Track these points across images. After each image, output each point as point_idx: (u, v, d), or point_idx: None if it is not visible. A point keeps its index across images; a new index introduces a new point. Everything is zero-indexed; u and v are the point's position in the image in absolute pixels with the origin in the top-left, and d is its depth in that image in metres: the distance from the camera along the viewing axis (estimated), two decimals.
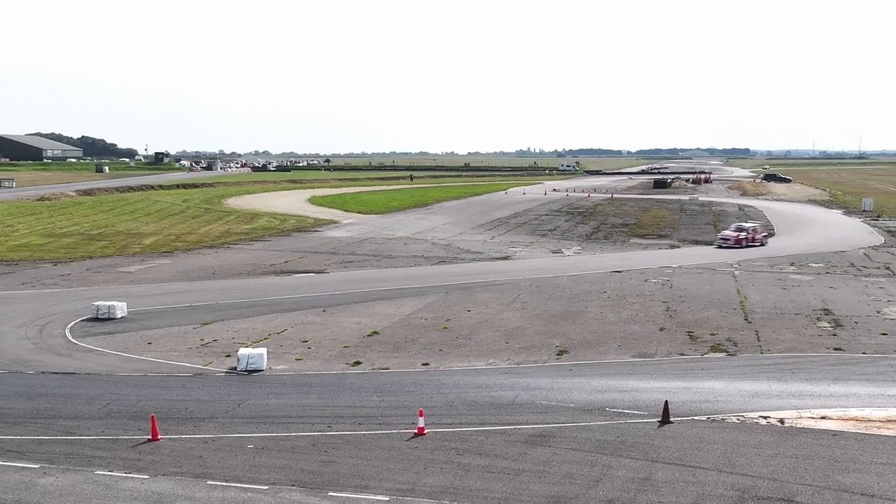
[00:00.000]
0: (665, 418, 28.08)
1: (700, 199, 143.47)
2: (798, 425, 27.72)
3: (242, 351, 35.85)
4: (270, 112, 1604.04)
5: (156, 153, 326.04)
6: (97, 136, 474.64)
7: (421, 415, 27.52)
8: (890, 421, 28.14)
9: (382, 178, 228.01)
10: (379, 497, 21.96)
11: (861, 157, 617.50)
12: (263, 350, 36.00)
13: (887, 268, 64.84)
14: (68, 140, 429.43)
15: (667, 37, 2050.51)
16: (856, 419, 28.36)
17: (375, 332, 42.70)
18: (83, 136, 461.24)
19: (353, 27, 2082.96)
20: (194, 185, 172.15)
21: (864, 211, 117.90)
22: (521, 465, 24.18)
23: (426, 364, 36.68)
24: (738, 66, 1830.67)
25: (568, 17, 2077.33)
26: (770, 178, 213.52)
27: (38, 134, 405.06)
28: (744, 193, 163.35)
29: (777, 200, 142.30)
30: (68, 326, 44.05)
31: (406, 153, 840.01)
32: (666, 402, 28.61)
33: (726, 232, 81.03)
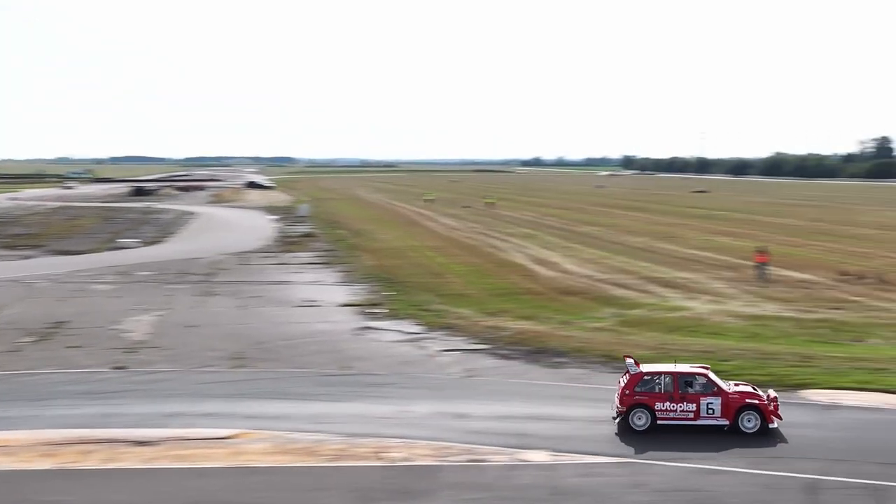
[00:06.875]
0: None
1: (157, 206, 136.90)
2: None
3: None
4: None
5: None
6: None
7: None
8: None
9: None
10: None
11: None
12: None
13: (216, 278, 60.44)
14: None
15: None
16: None
17: None
18: None
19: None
20: None
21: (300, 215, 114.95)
22: None
23: None
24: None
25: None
26: (252, 185, 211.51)
27: None
28: (218, 201, 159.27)
29: (243, 208, 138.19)
30: None
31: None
32: None
33: None
